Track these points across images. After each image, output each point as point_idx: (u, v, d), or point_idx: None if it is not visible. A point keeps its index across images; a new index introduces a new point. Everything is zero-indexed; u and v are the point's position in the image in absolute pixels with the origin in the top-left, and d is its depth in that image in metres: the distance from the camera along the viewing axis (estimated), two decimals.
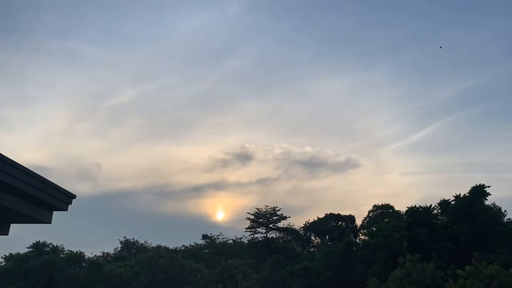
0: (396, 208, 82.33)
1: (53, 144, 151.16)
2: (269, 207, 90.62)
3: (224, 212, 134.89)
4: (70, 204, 6.96)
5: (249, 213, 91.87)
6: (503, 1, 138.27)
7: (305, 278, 58.09)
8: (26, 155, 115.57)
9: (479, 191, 56.43)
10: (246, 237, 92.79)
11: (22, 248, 71.99)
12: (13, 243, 70.86)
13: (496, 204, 59.17)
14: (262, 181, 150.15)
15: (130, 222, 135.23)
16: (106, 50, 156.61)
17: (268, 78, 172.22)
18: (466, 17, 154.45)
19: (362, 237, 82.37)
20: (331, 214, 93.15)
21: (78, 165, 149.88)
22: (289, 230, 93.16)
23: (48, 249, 73.03)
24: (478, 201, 55.87)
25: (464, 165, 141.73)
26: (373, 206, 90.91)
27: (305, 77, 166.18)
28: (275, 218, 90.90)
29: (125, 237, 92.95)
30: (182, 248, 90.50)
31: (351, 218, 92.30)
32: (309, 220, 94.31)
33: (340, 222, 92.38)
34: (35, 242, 72.92)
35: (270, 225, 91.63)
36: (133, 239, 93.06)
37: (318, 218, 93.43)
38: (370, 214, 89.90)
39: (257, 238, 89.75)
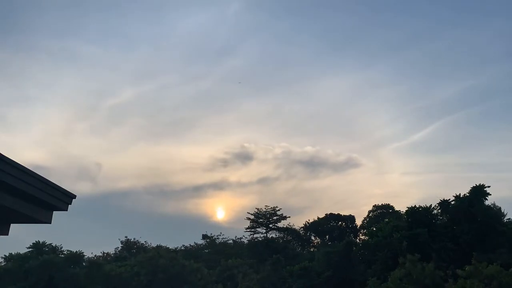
0: (396, 208, 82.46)
1: (53, 143, 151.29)
2: (269, 207, 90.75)
3: (224, 212, 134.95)
4: (70, 204, 6.96)
5: (249, 213, 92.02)
6: (503, 1, 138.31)
7: (305, 278, 58.09)
8: (26, 154, 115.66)
9: (479, 191, 56.42)
10: (246, 237, 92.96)
11: (22, 248, 72.13)
12: (13, 243, 70.97)
13: (496, 204, 59.24)
14: (262, 181, 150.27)
15: (130, 222, 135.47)
16: (106, 50, 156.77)
17: (268, 77, 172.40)
18: (466, 17, 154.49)
19: (362, 237, 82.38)
20: (331, 214, 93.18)
21: (78, 165, 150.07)
22: (289, 230, 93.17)
23: (48, 249, 73.05)
24: (478, 201, 55.86)
25: (464, 165, 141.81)
26: (373, 206, 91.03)
27: (305, 76, 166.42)
28: (275, 218, 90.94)
29: (126, 237, 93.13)
30: (182, 248, 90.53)
31: (351, 218, 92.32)
32: (309, 220, 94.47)
33: (340, 222, 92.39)
34: (35, 242, 72.94)
35: (270, 225, 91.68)
36: (133, 239, 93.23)
37: (318, 218, 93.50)
38: (370, 214, 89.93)
39: (257, 238, 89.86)
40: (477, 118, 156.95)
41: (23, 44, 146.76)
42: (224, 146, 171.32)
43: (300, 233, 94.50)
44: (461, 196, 57.20)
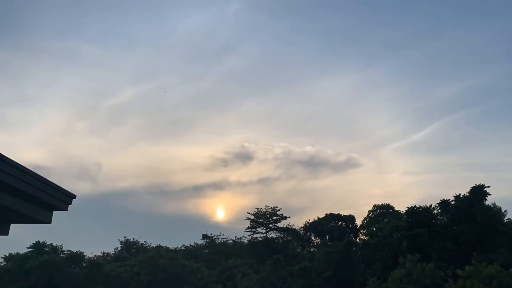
0: (396, 208, 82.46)
1: (53, 143, 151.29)
2: (269, 207, 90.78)
3: (224, 212, 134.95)
4: (70, 204, 6.96)
5: (249, 213, 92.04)
6: (503, 1, 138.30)
7: (305, 278, 58.09)
8: (26, 154, 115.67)
9: (479, 191, 56.42)
10: (246, 237, 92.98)
11: (22, 248, 72.10)
12: (13, 243, 70.93)
13: (496, 204, 59.24)
14: (262, 181, 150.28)
15: (130, 222, 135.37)
16: (106, 50, 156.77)
17: (268, 77, 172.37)
18: (466, 17, 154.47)
19: (362, 237, 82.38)
20: (331, 214, 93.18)
21: (78, 165, 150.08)
22: (289, 230, 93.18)
23: (48, 249, 73.05)
24: (478, 201, 55.86)
25: (464, 165, 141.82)
26: (373, 206, 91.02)
27: (305, 76, 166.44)
28: (275, 218, 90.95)
29: (125, 237, 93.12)
30: (182, 248, 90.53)
31: (351, 218, 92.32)
32: (309, 220, 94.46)
33: (340, 222, 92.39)
34: (35, 242, 72.93)
35: (270, 225, 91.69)
36: (133, 239, 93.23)
37: (318, 218, 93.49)
38: (370, 214, 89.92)
39: (257, 238, 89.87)
40: (477, 118, 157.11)
41: (23, 44, 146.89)
42: (224, 146, 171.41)
43: (300, 233, 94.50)
44: (461, 196, 57.21)
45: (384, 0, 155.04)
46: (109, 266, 68.22)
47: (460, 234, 54.28)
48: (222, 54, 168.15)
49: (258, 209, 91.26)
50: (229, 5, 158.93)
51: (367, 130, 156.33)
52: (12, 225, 7.09)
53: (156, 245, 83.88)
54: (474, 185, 56.94)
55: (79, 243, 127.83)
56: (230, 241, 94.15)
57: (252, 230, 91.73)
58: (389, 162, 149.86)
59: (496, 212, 57.47)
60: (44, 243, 73.64)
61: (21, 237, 69.30)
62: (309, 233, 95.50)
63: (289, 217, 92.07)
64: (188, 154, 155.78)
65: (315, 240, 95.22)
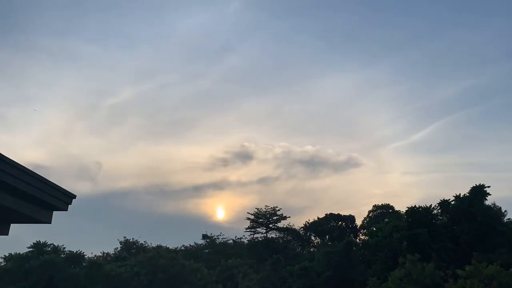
0: (396, 208, 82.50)
1: (53, 143, 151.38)
2: (269, 207, 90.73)
3: (224, 212, 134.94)
4: (70, 204, 6.96)
5: (249, 213, 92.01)
6: (503, 1, 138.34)
7: (305, 278, 58.09)
8: (25, 154, 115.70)
9: (479, 191, 56.41)
10: (246, 237, 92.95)
11: (22, 248, 72.09)
12: (13, 243, 70.93)
13: (496, 204, 59.24)
14: (262, 181, 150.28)
15: (130, 222, 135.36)
16: (106, 50, 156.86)
17: (268, 77, 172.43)
18: (466, 17, 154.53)
19: (362, 237, 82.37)
20: (331, 214, 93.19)
21: (77, 165, 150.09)
22: (289, 230, 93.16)
23: (48, 249, 73.06)
24: (478, 201, 55.85)
25: (464, 165, 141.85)
26: (373, 206, 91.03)
27: (305, 76, 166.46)
28: (275, 218, 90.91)
29: (124, 237, 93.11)
30: (182, 248, 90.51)
31: (351, 218, 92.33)
32: (309, 220, 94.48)
33: (340, 222, 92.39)
34: (35, 242, 72.94)
35: (270, 225, 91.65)
36: (132, 239, 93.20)
37: (318, 218, 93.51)
38: (370, 214, 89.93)
39: (257, 238, 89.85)
40: (477, 118, 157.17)
41: (23, 44, 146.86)
42: (224, 145, 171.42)
43: (300, 233, 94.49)
44: (461, 196, 57.20)
45: (384, 0, 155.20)
46: (109, 266, 68.21)
47: (460, 234, 54.28)
48: (222, 54, 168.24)
49: (258, 209, 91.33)
50: (229, 5, 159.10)
51: (367, 130, 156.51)
52: (12, 225, 7.09)
53: (156, 245, 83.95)
54: (474, 185, 56.96)
55: (79, 243, 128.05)
56: (230, 241, 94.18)
57: (252, 230, 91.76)
58: (389, 162, 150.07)
59: (496, 212, 57.46)
60: (44, 243, 73.66)
61: (21, 237, 69.35)
62: (309, 233, 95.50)
63: (289, 217, 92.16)
64: (188, 154, 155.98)
65: (315, 240, 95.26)
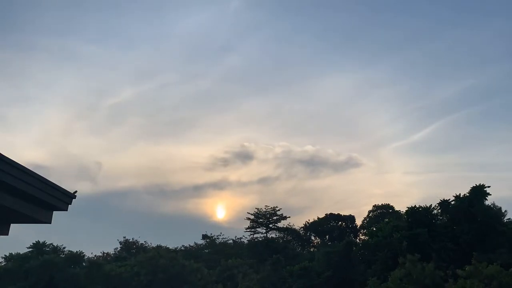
0: (396, 208, 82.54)
1: (53, 143, 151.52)
2: (269, 207, 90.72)
3: (224, 212, 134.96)
4: (70, 204, 6.97)
5: (249, 213, 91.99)
6: (503, 1, 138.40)
7: (305, 278, 58.07)
8: (25, 154, 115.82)
9: (479, 191, 56.38)
10: (246, 237, 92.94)
11: (22, 248, 72.12)
12: (13, 243, 70.93)
13: (496, 204, 59.17)
14: (262, 181, 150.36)
15: (130, 222, 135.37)
16: (106, 49, 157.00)
17: (268, 77, 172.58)
18: (466, 17, 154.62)
19: (362, 237, 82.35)
20: (331, 214, 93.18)
21: (77, 164, 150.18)
22: (289, 230, 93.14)
23: (48, 249, 73.05)
24: (478, 201, 55.82)
25: (464, 165, 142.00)
26: (373, 206, 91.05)
27: (305, 76, 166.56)
28: (275, 218, 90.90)
29: (124, 237, 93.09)
30: (182, 248, 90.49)
31: (351, 218, 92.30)
32: (309, 220, 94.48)
33: (340, 222, 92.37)
34: (35, 242, 72.95)
35: (270, 225, 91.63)
36: (132, 239, 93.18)
37: (318, 218, 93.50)
38: (370, 214, 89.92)
39: (257, 238, 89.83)
40: (477, 118, 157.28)
41: (23, 44, 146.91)
42: (224, 145, 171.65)
43: (300, 233, 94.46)
44: (461, 196, 57.17)
45: (384, 0, 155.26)
46: (109, 266, 68.20)
47: (460, 234, 54.25)
48: (222, 54, 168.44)
49: (258, 209, 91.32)
50: (228, 4, 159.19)
51: (368, 130, 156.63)
52: (12, 225, 7.09)
53: (156, 245, 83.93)
54: (474, 185, 56.92)
55: (79, 243, 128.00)
56: (230, 241, 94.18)
57: (252, 230, 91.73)
58: (389, 162, 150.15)
59: (496, 212, 57.42)
60: (44, 243, 73.66)
61: (21, 237, 69.38)
62: (309, 233, 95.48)
63: (289, 217, 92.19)
64: (188, 154, 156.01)
65: (315, 240, 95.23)
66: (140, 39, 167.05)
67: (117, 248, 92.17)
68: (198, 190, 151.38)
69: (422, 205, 59.05)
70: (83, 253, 72.38)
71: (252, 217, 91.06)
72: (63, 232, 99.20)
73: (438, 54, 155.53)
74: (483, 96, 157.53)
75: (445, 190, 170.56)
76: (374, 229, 62.87)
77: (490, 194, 56.71)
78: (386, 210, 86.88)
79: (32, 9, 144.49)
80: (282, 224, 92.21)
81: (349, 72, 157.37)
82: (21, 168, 5.73)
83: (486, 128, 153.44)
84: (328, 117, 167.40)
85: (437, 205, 58.97)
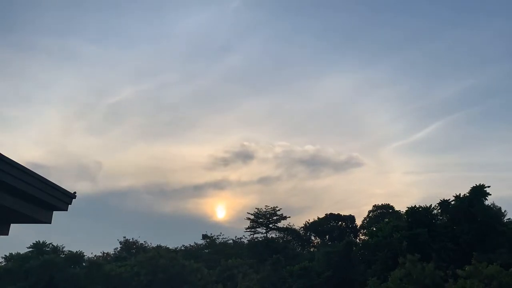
0: (396, 208, 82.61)
1: (53, 143, 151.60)
2: (269, 207, 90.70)
3: (225, 212, 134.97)
4: (70, 204, 6.96)
5: (249, 213, 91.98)
6: (503, 1, 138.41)
7: (305, 278, 58.07)
8: (25, 154, 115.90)
9: (479, 191, 56.38)
10: (246, 237, 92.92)
11: (22, 248, 72.14)
12: (13, 243, 70.96)
13: (496, 204, 59.20)
14: (263, 180, 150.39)
15: (130, 222, 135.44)
16: (106, 49, 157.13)
17: (268, 76, 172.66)
18: (466, 17, 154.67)
19: (362, 237, 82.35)
20: (331, 214, 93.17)
21: (77, 164, 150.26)
22: (289, 230, 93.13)
23: (48, 249, 73.04)
24: (478, 201, 55.82)
25: (464, 165, 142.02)
26: (373, 206, 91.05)
27: (305, 75, 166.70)
28: (275, 218, 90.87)
29: (124, 237, 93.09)
30: (182, 248, 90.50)
31: (351, 218, 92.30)
32: (309, 220, 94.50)
33: (340, 222, 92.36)
34: (35, 242, 72.95)
35: (270, 225, 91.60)
36: (132, 239, 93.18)
37: (318, 218, 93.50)
38: (370, 214, 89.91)
39: (257, 238, 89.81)
40: (477, 118, 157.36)
41: (23, 43, 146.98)
42: (224, 145, 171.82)
43: (300, 233, 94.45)
44: (461, 196, 57.17)
45: (384, 0, 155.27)
46: (109, 266, 68.20)
47: (460, 234, 54.25)
48: (222, 53, 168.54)
49: (258, 209, 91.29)
50: (228, 4, 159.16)
51: (368, 130, 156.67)
52: (12, 225, 7.09)
53: (156, 245, 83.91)
54: (474, 185, 56.92)
55: (79, 243, 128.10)
56: (230, 241, 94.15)
57: (252, 230, 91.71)
58: (389, 161, 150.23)
59: (496, 212, 57.42)
60: (44, 243, 73.64)
61: (21, 237, 69.37)
62: (309, 233, 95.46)
63: (289, 217, 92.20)
64: (188, 154, 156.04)
65: (315, 240, 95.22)
66: (140, 39, 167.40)
67: (117, 248, 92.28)
68: (198, 190, 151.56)
69: (422, 205, 59.13)
70: (83, 253, 72.47)
71: (252, 217, 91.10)
72: (63, 232, 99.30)
73: (438, 54, 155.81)
74: (483, 96, 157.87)
75: (445, 190, 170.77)
76: (374, 229, 62.87)
77: (490, 194, 56.83)
78: (386, 210, 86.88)
79: (32, 9, 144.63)
80: (282, 224, 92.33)
81: (349, 72, 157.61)
82: (21, 168, 5.73)
83: (486, 128, 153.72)
84: (328, 117, 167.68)
85: (437, 205, 58.98)
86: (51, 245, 74.13)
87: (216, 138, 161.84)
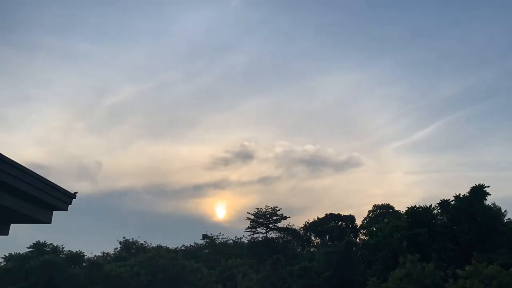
0: (397, 208, 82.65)
1: (53, 142, 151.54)
2: (269, 207, 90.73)
3: (225, 212, 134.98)
4: (70, 204, 6.96)
5: (249, 213, 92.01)
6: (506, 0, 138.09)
7: (305, 278, 58.07)
8: (25, 153, 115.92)
9: (479, 191, 56.38)
10: (246, 237, 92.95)
11: (22, 248, 72.14)
12: (13, 243, 70.94)
13: (496, 204, 59.20)
14: (263, 180, 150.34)
15: (130, 222, 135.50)
16: (106, 48, 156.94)
17: (268, 75, 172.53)
18: (468, 15, 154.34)
19: (362, 237, 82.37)
20: (331, 214, 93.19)
21: (77, 164, 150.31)
22: (289, 230, 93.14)
23: (48, 249, 73.03)
24: (478, 201, 55.82)
25: (465, 165, 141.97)
26: (373, 206, 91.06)
27: (305, 75, 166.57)
28: (275, 218, 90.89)
29: (124, 237, 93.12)
30: (182, 248, 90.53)
31: (351, 218, 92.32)
32: (309, 220, 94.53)
33: (340, 222, 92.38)
34: (35, 242, 72.94)
35: (270, 225, 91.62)
36: (132, 239, 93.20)
37: (318, 218, 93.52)
38: (370, 214, 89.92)
39: (257, 238, 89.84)
40: (479, 117, 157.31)
41: (22, 42, 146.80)
42: (224, 145, 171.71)
43: (300, 233, 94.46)
44: (461, 196, 57.17)
45: None
46: (109, 266, 68.20)
47: (460, 234, 54.25)
48: (222, 52, 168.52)
49: (258, 209, 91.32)
50: (228, 3, 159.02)
51: (368, 129, 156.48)
52: (12, 225, 7.09)
53: (156, 245, 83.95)
54: (474, 185, 56.92)
55: (79, 243, 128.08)
56: (230, 241, 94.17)
57: (252, 230, 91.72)
58: (390, 161, 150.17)
59: (496, 212, 57.42)
60: (44, 243, 73.64)
61: (21, 237, 69.34)
62: (309, 233, 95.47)
63: (289, 217, 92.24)
64: (188, 153, 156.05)
65: (315, 240, 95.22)
66: (140, 37, 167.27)
67: (117, 248, 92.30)
68: (198, 189, 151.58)
69: (422, 205, 59.14)
70: (83, 253, 72.46)
71: (252, 217, 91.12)
72: (63, 232, 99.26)
73: (439, 52, 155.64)
74: (485, 96, 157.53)
75: (445, 190, 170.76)
76: (374, 229, 62.87)
77: (490, 194, 56.83)
78: (386, 210, 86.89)
79: (31, 7, 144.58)
80: (282, 224, 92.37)
81: (350, 71, 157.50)
82: (21, 168, 5.73)
83: (487, 127, 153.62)
84: (328, 116, 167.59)
85: (437, 205, 58.99)
86: (51, 245, 74.13)
87: (216, 138, 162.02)
